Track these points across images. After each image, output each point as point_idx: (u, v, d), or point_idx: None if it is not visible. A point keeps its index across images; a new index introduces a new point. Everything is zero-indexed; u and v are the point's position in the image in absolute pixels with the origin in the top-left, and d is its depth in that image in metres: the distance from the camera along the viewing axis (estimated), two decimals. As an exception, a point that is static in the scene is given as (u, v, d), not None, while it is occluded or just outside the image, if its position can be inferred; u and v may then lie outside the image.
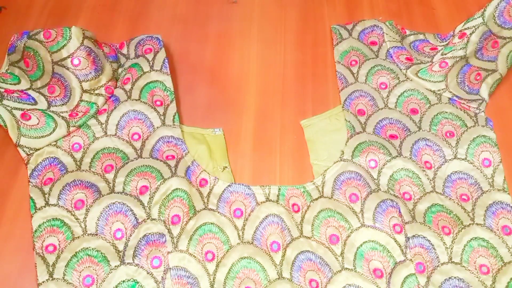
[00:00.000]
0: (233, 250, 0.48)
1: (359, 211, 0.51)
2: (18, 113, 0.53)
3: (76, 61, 0.54)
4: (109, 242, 0.48)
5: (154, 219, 0.49)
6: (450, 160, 0.55)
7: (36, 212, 0.49)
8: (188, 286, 0.46)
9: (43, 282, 0.46)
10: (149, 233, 0.48)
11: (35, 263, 0.47)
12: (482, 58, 0.59)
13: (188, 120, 0.59)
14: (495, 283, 0.48)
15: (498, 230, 0.51)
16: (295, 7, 0.71)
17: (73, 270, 0.46)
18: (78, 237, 0.48)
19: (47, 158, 0.53)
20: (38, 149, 0.53)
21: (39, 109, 0.54)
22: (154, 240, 0.48)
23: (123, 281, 0.46)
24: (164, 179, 0.51)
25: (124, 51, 0.62)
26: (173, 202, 0.50)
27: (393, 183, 0.53)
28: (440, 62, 0.59)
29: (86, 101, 0.55)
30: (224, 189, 0.52)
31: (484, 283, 0.48)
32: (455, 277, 0.48)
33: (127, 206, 0.50)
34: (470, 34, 0.58)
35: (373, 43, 0.64)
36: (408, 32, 0.66)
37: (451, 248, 0.49)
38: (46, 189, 0.51)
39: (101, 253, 0.47)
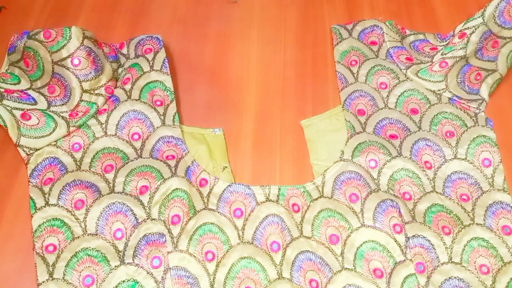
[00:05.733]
0: (233, 250, 0.48)
1: (359, 211, 0.51)
2: (18, 113, 0.53)
3: (76, 61, 0.54)
4: (109, 242, 0.48)
5: (154, 219, 0.49)
6: (450, 160, 0.55)
7: (36, 212, 0.49)
8: (188, 286, 0.46)
9: (43, 282, 0.46)
10: (149, 233, 0.48)
11: (35, 263, 0.47)
12: (482, 58, 0.59)
13: (188, 120, 0.59)
14: (495, 283, 0.48)
15: (498, 230, 0.51)
16: (295, 7, 0.71)
17: (73, 270, 0.46)
18: (78, 237, 0.48)
19: (47, 158, 0.53)
20: (38, 149, 0.53)
21: (39, 109, 0.54)
22: (154, 240, 0.48)
23: (123, 281, 0.46)
24: (164, 179, 0.51)
25: (124, 51, 0.62)
26: (173, 202, 0.50)
27: (393, 183, 0.53)
28: (440, 62, 0.59)
29: (86, 101, 0.55)
30: (224, 189, 0.52)
31: (484, 283, 0.48)
32: (455, 277, 0.48)
33: (127, 206, 0.50)
34: (470, 34, 0.58)
35: (373, 43, 0.64)
36: (408, 32, 0.66)
37: (451, 248, 0.49)
38: (46, 189, 0.51)
39: (101, 253, 0.47)
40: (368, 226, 0.50)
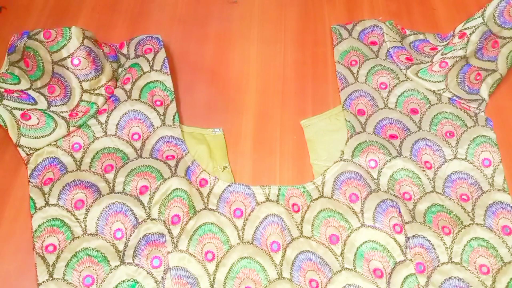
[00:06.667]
0: (233, 250, 0.48)
1: (359, 211, 0.51)
2: (18, 113, 0.53)
3: (76, 61, 0.54)
4: (109, 242, 0.48)
5: (154, 219, 0.49)
6: (450, 160, 0.55)
7: (36, 212, 0.49)
8: (188, 286, 0.46)
9: (43, 282, 0.46)
10: (149, 233, 0.48)
11: (35, 263, 0.47)
12: (482, 58, 0.59)
13: (188, 120, 0.59)
14: (495, 283, 0.48)
15: (498, 230, 0.51)
16: (295, 7, 0.71)
17: (73, 270, 0.46)
18: (78, 237, 0.48)
19: (47, 158, 0.52)
20: (38, 149, 0.53)
21: (39, 109, 0.54)
22: (154, 240, 0.48)
23: (123, 281, 0.46)
24: (164, 179, 0.51)
25: (124, 51, 0.62)
26: (173, 202, 0.50)
27: (393, 183, 0.53)
28: (440, 62, 0.59)
29: (86, 101, 0.55)
30: (224, 189, 0.52)
31: (484, 283, 0.48)
32: (455, 277, 0.48)
33: (127, 206, 0.50)
34: (470, 34, 0.58)
35: (373, 43, 0.64)
36: (408, 32, 0.66)
37: (451, 248, 0.49)
38: (46, 189, 0.51)
39: (101, 253, 0.47)
40: (368, 226, 0.50)
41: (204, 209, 0.50)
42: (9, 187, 0.53)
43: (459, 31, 0.59)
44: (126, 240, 0.48)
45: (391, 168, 0.53)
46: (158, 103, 0.57)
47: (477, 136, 0.57)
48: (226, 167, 0.55)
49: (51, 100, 0.55)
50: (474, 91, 0.60)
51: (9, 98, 0.53)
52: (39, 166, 0.52)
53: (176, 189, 0.50)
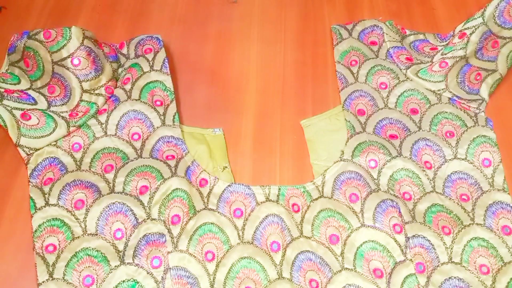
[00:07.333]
0: (233, 250, 0.48)
1: (359, 211, 0.51)
2: (18, 113, 0.53)
3: (76, 61, 0.54)
4: (109, 242, 0.48)
5: (154, 219, 0.49)
6: (450, 160, 0.55)
7: (36, 212, 0.49)
8: (188, 286, 0.46)
9: (43, 282, 0.46)
10: (149, 233, 0.48)
11: (35, 263, 0.47)
12: (482, 58, 0.59)
13: (188, 120, 0.59)
14: (495, 283, 0.48)
15: (498, 230, 0.51)
16: (295, 7, 0.71)
17: (73, 270, 0.46)
18: (78, 237, 0.48)
19: (47, 158, 0.53)
20: (38, 149, 0.53)
21: (39, 109, 0.54)
22: (154, 240, 0.48)
23: (123, 281, 0.46)
24: (164, 179, 0.51)
25: (124, 51, 0.62)
26: (173, 202, 0.50)
27: (393, 183, 0.53)
28: (440, 62, 0.59)
29: (86, 101, 0.55)
30: (224, 189, 0.52)
31: (484, 283, 0.48)
32: (455, 277, 0.48)
33: (127, 206, 0.50)
34: (470, 34, 0.58)
35: (373, 43, 0.64)
36: (408, 32, 0.66)
37: (451, 248, 0.49)
38: (46, 189, 0.51)
39: (101, 253, 0.47)
40: (368, 226, 0.50)
41: (204, 209, 0.50)
42: (9, 187, 0.53)
43: (459, 31, 0.59)
44: (126, 240, 0.48)
45: (391, 168, 0.53)
46: (158, 103, 0.57)
47: (477, 136, 0.57)
48: (226, 167, 0.55)
49: (51, 100, 0.55)
50: (474, 91, 0.60)
51: (9, 98, 0.53)
52: (39, 166, 0.52)
53: (176, 189, 0.50)
